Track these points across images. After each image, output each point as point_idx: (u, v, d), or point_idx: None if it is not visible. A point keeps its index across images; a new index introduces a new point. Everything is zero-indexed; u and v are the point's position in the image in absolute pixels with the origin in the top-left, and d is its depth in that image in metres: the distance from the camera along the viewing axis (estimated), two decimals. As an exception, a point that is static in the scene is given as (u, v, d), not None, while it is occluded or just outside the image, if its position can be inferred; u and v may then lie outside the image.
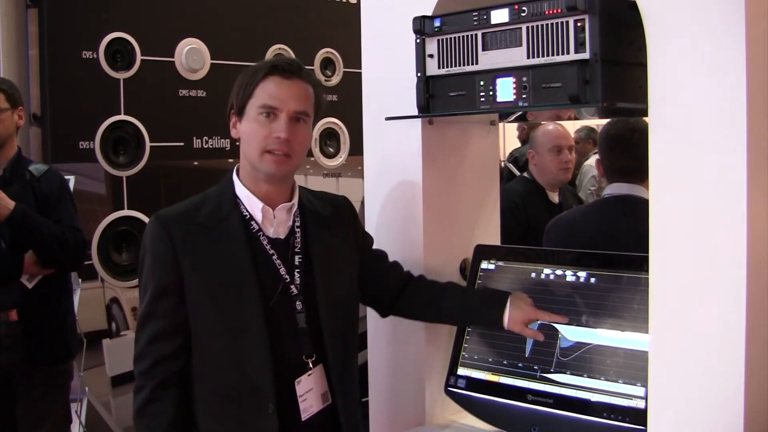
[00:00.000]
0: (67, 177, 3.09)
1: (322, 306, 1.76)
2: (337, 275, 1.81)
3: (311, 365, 1.74)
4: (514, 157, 4.21)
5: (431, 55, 1.83)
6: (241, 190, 1.76)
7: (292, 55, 4.08)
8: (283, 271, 1.74)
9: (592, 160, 6.37)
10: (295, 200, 1.79)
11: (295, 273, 1.75)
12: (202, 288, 1.70)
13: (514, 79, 1.70)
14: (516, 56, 1.70)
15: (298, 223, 1.79)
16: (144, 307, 1.73)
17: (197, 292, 1.70)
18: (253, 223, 1.75)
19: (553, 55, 1.64)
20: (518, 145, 6.04)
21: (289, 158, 1.71)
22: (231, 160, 3.80)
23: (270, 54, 4.02)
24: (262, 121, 1.70)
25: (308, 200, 1.84)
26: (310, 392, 1.75)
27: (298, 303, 1.74)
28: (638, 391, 1.64)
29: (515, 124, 5.50)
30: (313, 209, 1.83)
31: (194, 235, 1.71)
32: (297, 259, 1.76)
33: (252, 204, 1.75)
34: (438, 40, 1.82)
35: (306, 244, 1.78)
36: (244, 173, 1.78)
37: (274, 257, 1.74)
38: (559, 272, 1.84)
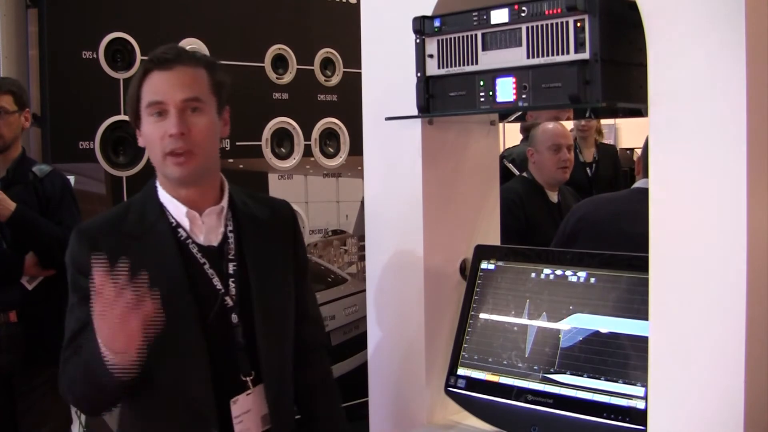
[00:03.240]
0: (67, 177, 3.10)
1: (258, 319, 1.63)
2: (274, 284, 1.69)
3: (251, 384, 1.63)
4: (512, 158, 4.23)
5: (431, 55, 1.83)
6: (164, 196, 1.64)
7: (293, 55, 4.08)
8: (216, 281, 1.61)
9: None
10: (224, 203, 1.67)
11: (230, 282, 1.63)
12: None
13: (514, 79, 1.70)
14: (516, 56, 1.70)
15: (231, 228, 1.66)
16: (76, 317, 1.60)
17: None
18: (180, 230, 1.62)
19: (553, 55, 1.64)
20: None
21: (193, 155, 1.56)
22: (231, 161, 3.80)
23: (270, 54, 4.02)
24: (153, 122, 1.57)
25: (243, 203, 1.72)
26: (247, 414, 1.62)
27: (233, 316, 1.62)
28: (638, 391, 1.64)
29: (518, 123, 5.54)
30: (248, 212, 1.70)
31: (121, 248, 1.55)
32: (231, 267, 1.64)
33: (176, 209, 1.62)
34: (438, 40, 1.82)
35: (240, 250, 1.65)
36: (160, 180, 1.65)
37: (206, 266, 1.61)
38: (559, 272, 1.84)
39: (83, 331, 1.57)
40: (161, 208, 1.63)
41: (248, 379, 1.63)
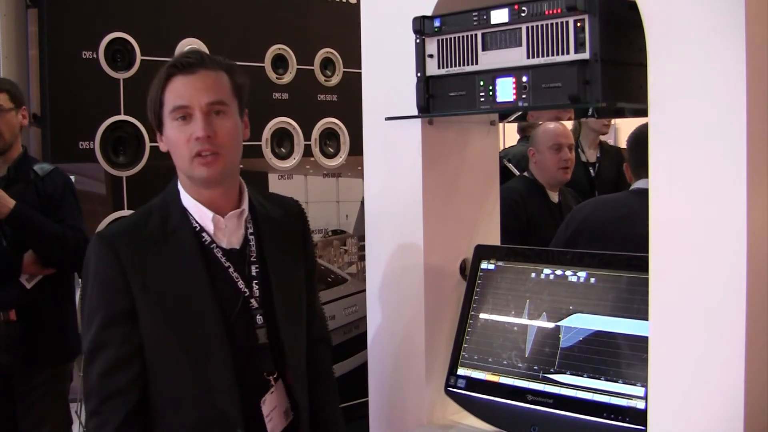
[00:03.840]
0: (68, 176, 3.10)
1: (281, 318, 1.66)
2: (291, 284, 1.72)
3: (273, 382, 1.66)
4: (509, 158, 4.22)
5: (431, 55, 1.83)
6: (187, 200, 1.65)
7: (293, 55, 4.08)
8: (241, 284, 1.64)
9: None
10: (245, 205, 1.69)
11: (254, 285, 1.66)
12: (157, 310, 1.58)
13: (513, 79, 1.70)
14: (516, 56, 1.70)
15: (251, 230, 1.69)
16: (92, 337, 1.60)
17: (151, 316, 1.58)
18: (204, 234, 1.64)
19: (552, 55, 1.64)
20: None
21: (219, 156, 1.59)
22: (231, 160, 3.80)
23: (270, 54, 4.02)
24: (178, 126, 1.58)
25: (260, 204, 1.74)
26: (274, 411, 1.66)
27: (258, 317, 1.65)
28: (638, 391, 1.64)
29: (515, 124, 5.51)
30: (265, 213, 1.73)
31: (143, 253, 1.59)
32: (254, 270, 1.66)
33: (201, 214, 1.64)
34: (438, 40, 1.82)
35: (261, 252, 1.68)
36: (184, 183, 1.67)
37: (231, 270, 1.64)
38: (559, 272, 1.84)
39: (101, 351, 1.60)
40: (184, 213, 1.65)
41: (271, 377, 1.66)
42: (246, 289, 1.65)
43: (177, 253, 1.61)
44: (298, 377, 1.70)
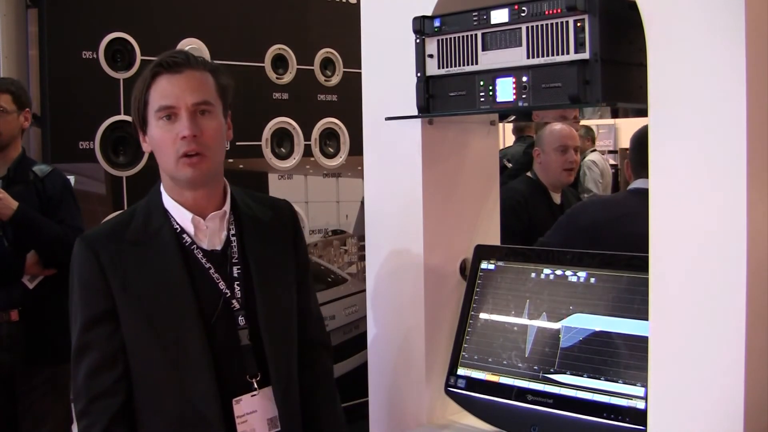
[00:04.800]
0: (67, 177, 3.10)
1: (263, 320, 1.65)
2: (277, 285, 1.71)
3: (256, 386, 1.64)
4: (507, 158, 4.22)
5: (431, 55, 1.83)
6: (168, 202, 1.65)
7: (292, 56, 4.08)
8: (222, 285, 1.63)
9: (590, 157, 6.42)
10: (227, 207, 1.69)
11: (235, 286, 1.65)
12: (136, 311, 1.58)
13: (513, 79, 1.70)
14: (516, 56, 1.70)
15: (233, 231, 1.68)
16: (76, 339, 1.61)
17: (131, 316, 1.59)
18: (185, 236, 1.64)
19: (552, 55, 1.64)
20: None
21: (204, 157, 1.59)
22: (231, 160, 3.80)
23: (270, 54, 4.02)
24: (163, 126, 1.58)
25: (246, 205, 1.73)
26: (253, 414, 1.63)
27: (240, 318, 1.64)
28: (638, 391, 1.64)
29: (520, 123, 5.49)
30: (251, 214, 1.72)
31: (123, 255, 1.59)
32: (236, 271, 1.66)
33: (181, 215, 1.64)
34: (438, 40, 1.82)
35: (243, 253, 1.68)
36: (166, 184, 1.66)
37: (211, 271, 1.63)
38: (559, 272, 1.84)
39: (86, 353, 1.61)
40: (166, 214, 1.65)
41: (254, 380, 1.65)
42: (227, 290, 1.64)
43: (157, 254, 1.61)
44: (281, 380, 1.67)
